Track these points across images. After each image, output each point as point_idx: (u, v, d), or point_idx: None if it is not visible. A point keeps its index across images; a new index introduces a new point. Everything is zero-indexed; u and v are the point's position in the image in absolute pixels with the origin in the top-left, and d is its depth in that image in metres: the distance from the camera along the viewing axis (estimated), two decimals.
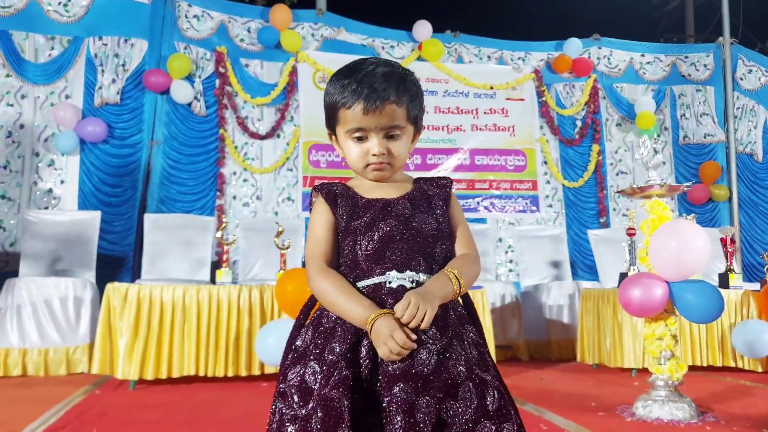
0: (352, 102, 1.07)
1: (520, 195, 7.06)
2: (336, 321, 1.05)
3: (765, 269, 4.26)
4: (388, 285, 1.04)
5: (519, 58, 7.32)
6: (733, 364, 4.03)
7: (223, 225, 3.98)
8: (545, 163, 7.15)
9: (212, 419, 2.67)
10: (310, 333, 1.08)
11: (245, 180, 6.33)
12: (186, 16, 6.29)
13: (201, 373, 3.42)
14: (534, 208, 7.06)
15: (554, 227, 6.58)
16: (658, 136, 7.39)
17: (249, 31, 6.53)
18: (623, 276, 4.04)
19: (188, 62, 6.08)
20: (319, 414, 0.96)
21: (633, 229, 4.19)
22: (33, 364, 3.84)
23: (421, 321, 0.98)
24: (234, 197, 6.25)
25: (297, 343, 1.09)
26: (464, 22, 7.30)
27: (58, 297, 3.94)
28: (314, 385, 1.01)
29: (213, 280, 3.69)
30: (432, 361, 0.99)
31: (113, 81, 5.88)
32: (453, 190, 1.18)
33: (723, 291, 3.99)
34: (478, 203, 6.98)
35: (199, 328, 3.41)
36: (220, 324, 3.45)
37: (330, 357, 1.01)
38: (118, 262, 5.58)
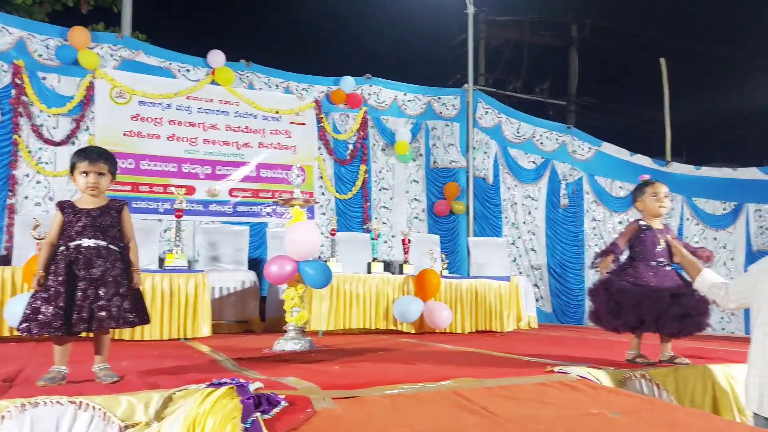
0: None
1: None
2: (57, 261, 2.48)
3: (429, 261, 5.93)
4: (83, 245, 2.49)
5: (303, 89, 8.70)
6: (394, 328, 5.60)
7: None
8: (321, 177, 8.59)
9: None
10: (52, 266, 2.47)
11: (38, 182, 7.00)
12: None
13: None
14: (310, 215, 8.43)
15: None
16: (414, 160, 9.16)
17: (48, 47, 7.21)
18: None
19: None
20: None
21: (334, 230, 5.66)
22: None
23: None
24: (26, 197, 6.90)
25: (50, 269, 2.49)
26: (257, 54, 8.54)
27: None
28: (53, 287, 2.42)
29: None
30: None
31: None
32: (124, 208, 2.70)
33: (388, 275, 5.57)
34: (261, 209, 8.22)
35: None
36: None
37: (60, 277, 2.43)
38: None
